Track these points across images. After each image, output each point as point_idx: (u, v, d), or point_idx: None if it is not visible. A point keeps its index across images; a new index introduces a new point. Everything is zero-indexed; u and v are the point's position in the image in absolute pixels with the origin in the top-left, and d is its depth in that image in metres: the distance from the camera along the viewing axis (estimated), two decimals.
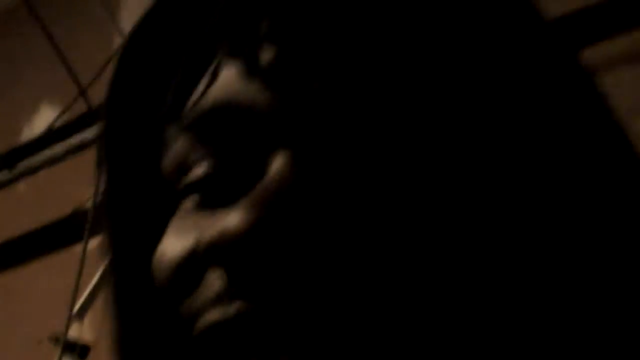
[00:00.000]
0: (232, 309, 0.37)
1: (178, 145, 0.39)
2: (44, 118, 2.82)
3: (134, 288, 0.43)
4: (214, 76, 0.38)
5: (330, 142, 0.36)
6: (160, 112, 0.41)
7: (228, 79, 0.38)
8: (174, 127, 0.40)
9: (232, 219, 0.36)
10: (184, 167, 0.39)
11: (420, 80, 0.35)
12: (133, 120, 0.43)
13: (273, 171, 0.36)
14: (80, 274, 1.68)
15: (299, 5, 0.37)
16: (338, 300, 0.35)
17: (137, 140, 0.43)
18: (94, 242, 1.61)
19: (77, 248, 1.96)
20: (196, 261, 0.38)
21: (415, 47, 0.36)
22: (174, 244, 0.39)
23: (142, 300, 0.42)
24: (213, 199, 0.38)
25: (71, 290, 1.70)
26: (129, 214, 0.43)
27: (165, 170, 0.40)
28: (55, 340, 1.73)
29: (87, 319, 1.71)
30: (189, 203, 0.39)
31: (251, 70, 0.37)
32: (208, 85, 0.38)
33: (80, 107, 2.34)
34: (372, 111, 0.35)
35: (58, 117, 2.45)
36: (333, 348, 0.35)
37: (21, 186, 2.78)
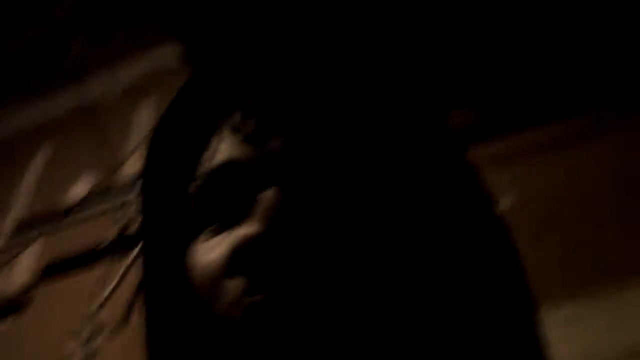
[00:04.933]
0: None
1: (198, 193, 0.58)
2: None
3: (165, 292, 0.60)
4: (219, 144, 0.58)
5: (300, 184, 0.53)
6: (182, 173, 0.61)
7: (229, 146, 0.57)
8: (193, 183, 0.59)
9: (243, 231, 0.51)
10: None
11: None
12: (163, 179, 0.63)
13: (265, 202, 0.52)
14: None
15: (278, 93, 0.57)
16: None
17: (167, 191, 0.62)
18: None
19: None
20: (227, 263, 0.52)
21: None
22: (210, 257, 0.54)
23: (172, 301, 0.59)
24: (227, 223, 0.55)
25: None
26: (160, 238, 0.62)
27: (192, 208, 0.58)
28: None
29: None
30: (211, 228, 0.56)
31: (244, 139, 0.56)
32: (215, 151, 0.57)
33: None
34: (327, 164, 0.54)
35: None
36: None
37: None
